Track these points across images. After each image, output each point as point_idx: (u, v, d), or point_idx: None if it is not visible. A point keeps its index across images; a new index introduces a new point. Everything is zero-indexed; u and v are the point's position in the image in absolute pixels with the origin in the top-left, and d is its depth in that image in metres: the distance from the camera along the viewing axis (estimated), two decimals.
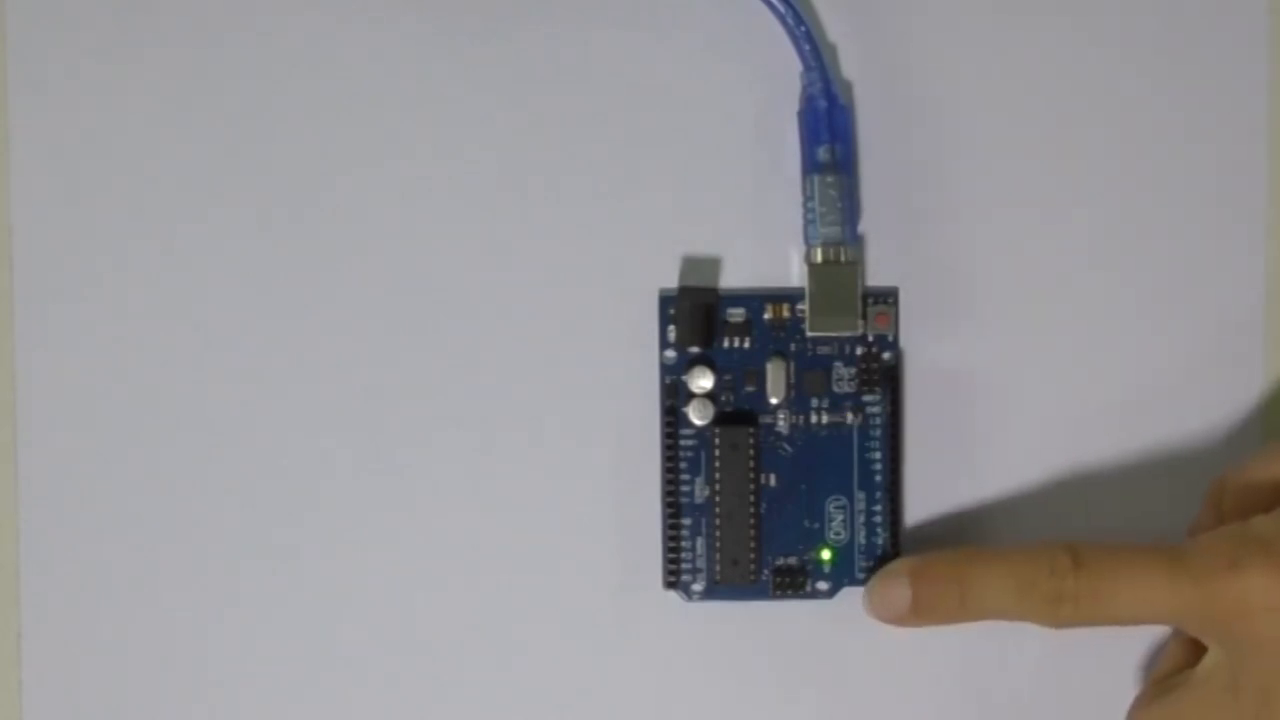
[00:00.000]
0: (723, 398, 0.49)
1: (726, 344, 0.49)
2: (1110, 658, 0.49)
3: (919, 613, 0.47)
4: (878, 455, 0.49)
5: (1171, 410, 0.49)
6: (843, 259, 0.48)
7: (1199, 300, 0.49)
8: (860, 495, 0.49)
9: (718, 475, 0.48)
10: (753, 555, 0.48)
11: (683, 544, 0.49)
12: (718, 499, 0.48)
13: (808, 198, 0.48)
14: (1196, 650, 0.47)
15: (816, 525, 0.49)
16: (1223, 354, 0.49)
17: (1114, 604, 0.45)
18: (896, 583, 0.47)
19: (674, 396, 0.49)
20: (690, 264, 0.49)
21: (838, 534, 0.49)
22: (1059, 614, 0.46)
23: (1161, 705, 0.47)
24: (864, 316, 0.48)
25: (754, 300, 0.49)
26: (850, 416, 0.49)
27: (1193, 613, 0.45)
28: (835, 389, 0.49)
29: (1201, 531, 0.47)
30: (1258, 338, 0.49)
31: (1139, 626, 0.49)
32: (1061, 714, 0.49)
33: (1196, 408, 0.49)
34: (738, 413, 0.49)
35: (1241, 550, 0.45)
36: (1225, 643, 0.45)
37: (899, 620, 0.48)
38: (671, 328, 0.49)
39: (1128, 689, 0.49)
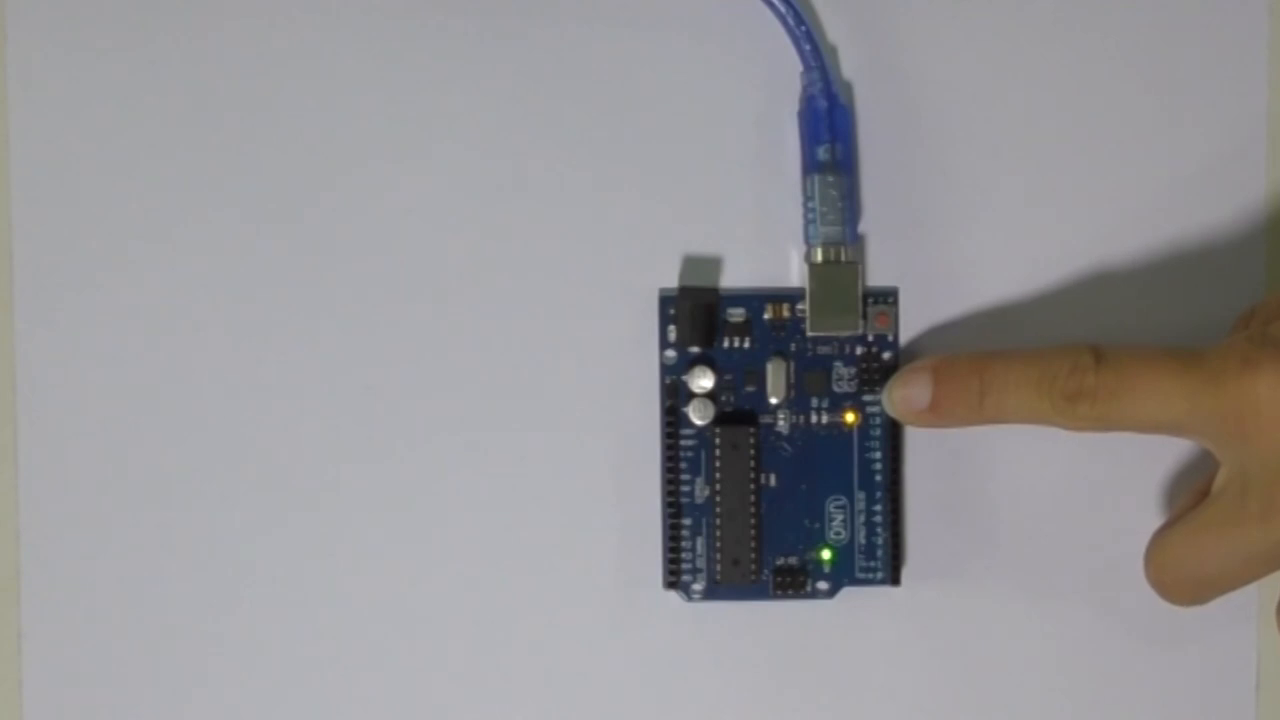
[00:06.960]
0: (723, 398, 0.49)
1: (726, 344, 0.49)
2: (1110, 661, 0.49)
3: (938, 411, 0.47)
4: (878, 455, 0.49)
5: None
6: (843, 259, 0.48)
7: (1200, 301, 0.49)
8: (860, 495, 0.49)
9: (718, 475, 0.48)
10: (753, 555, 0.48)
11: (683, 544, 0.49)
12: (718, 499, 0.48)
13: (808, 198, 0.48)
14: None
15: (816, 525, 0.49)
16: None
17: (1131, 403, 0.45)
18: (918, 379, 0.47)
19: (674, 396, 0.49)
20: (690, 264, 0.49)
21: (838, 534, 0.49)
22: (1076, 412, 0.45)
23: (1181, 524, 0.46)
24: (864, 316, 0.48)
25: (754, 300, 0.49)
26: (850, 416, 0.49)
27: (1205, 412, 0.44)
28: (835, 389, 0.49)
29: None
30: None
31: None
32: (1061, 713, 0.49)
33: None
34: (738, 413, 0.49)
35: (1258, 351, 0.44)
36: (1234, 443, 0.44)
37: (917, 419, 0.47)
38: (671, 328, 0.49)
39: (1126, 692, 0.49)
